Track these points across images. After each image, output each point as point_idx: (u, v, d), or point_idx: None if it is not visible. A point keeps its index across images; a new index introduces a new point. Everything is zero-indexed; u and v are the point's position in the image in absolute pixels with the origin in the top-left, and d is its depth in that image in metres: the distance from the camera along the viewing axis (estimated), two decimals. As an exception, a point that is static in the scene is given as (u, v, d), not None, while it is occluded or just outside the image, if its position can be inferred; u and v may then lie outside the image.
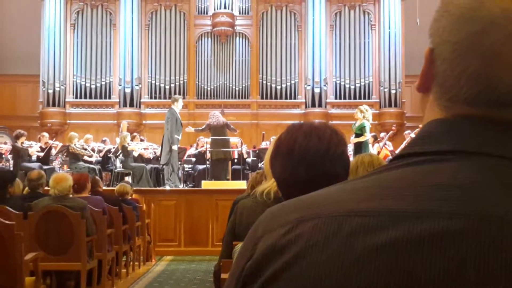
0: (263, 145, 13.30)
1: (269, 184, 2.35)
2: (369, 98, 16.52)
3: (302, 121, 2.59)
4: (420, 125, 0.66)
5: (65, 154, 12.13)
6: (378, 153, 10.83)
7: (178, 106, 10.64)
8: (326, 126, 1.64)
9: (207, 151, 11.85)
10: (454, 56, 0.58)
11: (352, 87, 16.69)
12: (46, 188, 6.37)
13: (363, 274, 0.52)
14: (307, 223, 0.57)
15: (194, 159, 12.66)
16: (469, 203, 0.53)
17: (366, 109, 9.26)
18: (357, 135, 9.20)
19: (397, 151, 11.40)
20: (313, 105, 16.38)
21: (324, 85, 16.40)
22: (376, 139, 12.44)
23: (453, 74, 0.59)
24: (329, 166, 1.53)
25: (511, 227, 0.51)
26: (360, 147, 9.00)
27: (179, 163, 12.44)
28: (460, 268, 0.50)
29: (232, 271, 0.63)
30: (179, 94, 16.63)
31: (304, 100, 16.59)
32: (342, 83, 16.73)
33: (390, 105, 16.38)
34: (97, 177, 8.35)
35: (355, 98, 16.55)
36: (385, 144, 12.07)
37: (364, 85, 16.69)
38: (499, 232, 0.51)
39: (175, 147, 10.34)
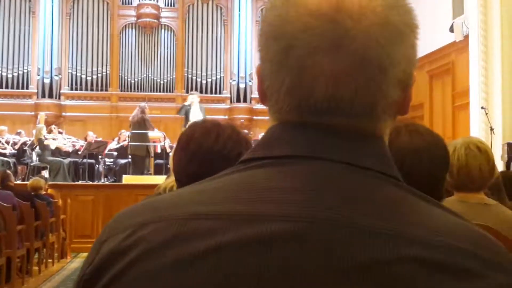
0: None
1: (172, 179, 2.29)
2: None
3: (210, 118, 2.55)
4: None
5: (-24, 146, 11.54)
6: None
7: None
8: (229, 126, 1.60)
9: (129, 146, 11.61)
10: (271, 72, 0.61)
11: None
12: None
13: (196, 276, 0.52)
14: (148, 226, 0.57)
15: (116, 153, 12.38)
16: (302, 206, 0.54)
17: None
18: None
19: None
20: (238, 100, 16.38)
21: (250, 80, 16.44)
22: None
23: (274, 89, 0.61)
24: (221, 166, 1.48)
25: (342, 231, 0.52)
26: None
27: (100, 157, 12.13)
28: (284, 270, 0.50)
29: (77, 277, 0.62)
30: (102, 86, 16.24)
31: (229, 95, 16.57)
32: (267, 79, 16.83)
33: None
34: (8, 171, 8.00)
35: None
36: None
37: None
38: (329, 235, 0.51)
39: None
